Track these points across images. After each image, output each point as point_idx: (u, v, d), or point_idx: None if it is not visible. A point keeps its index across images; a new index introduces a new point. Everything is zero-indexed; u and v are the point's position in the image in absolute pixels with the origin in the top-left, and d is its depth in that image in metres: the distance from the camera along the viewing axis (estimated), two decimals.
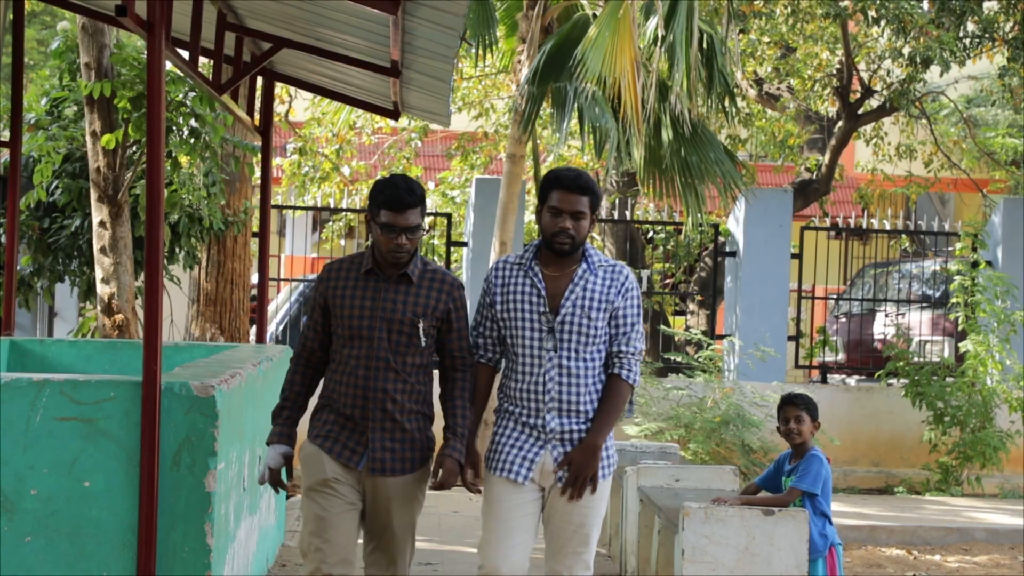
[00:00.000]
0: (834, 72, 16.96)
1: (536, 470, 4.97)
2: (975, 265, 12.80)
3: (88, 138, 9.22)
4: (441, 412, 5.13)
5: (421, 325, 4.96)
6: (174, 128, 9.36)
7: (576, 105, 10.58)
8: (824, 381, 13.99)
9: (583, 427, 4.97)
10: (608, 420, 4.98)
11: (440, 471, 4.99)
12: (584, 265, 5.03)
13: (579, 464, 4.92)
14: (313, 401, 5.21)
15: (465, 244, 13.35)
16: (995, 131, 19.57)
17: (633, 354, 5.02)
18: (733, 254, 13.65)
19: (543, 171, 14.26)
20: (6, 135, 10.06)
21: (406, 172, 16.56)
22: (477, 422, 5.11)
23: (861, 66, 16.83)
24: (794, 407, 6.13)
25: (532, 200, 15.64)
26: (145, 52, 6.22)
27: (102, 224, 9.15)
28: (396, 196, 4.90)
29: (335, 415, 5.01)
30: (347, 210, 14.44)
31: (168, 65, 6.46)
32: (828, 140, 17.33)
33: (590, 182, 4.98)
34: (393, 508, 5.02)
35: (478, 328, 5.14)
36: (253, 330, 11.63)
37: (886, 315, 14.58)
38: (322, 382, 5.13)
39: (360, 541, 5.10)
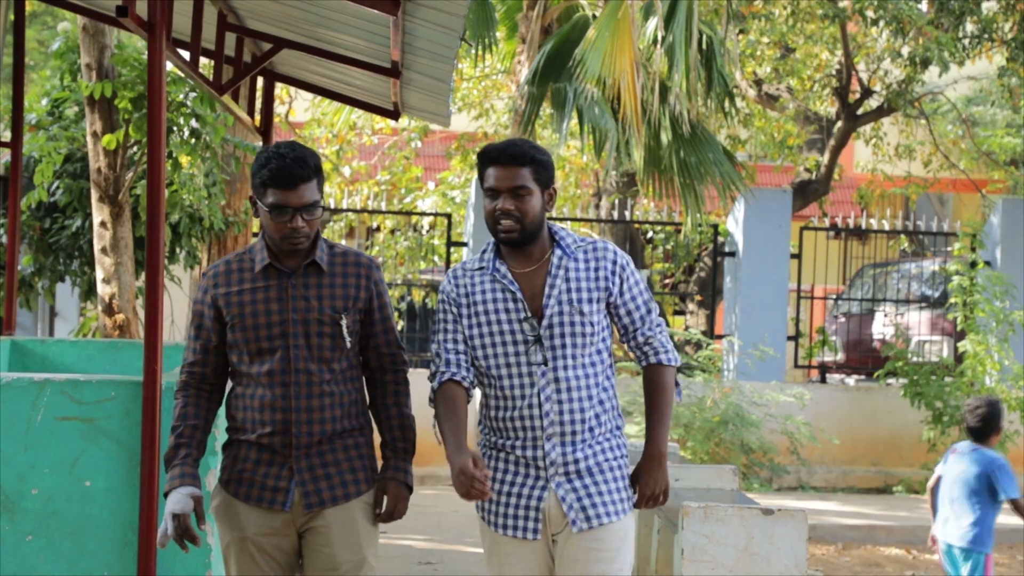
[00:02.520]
0: (833, 72, 16.98)
1: (542, 519, 4.03)
2: (973, 265, 12.82)
3: (89, 138, 9.24)
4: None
5: (344, 322, 4.03)
6: (175, 128, 9.38)
7: (576, 105, 10.61)
8: (823, 381, 14.01)
9: (589, 453, 4.04)
10: (663, 419, 4.12)
11: (384, 499, 4.07)
12: (558, 251, 4.08)
13: (648, 481, 4.10)
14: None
15: (465, 244, 13.37)
16: (993, 131, 19.58)
17: (660, 331, 4.13)
18: (732, 254, 13.67)
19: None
20: (7, 135, 10.09)
21: (406, 172, 16.58)
22: (455, 434, 4.04)
23: (860, 66, 16.84)
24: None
25: None
26: (146, 53, 6.24)
27: (103, 224, 9.16)
28: (283, 169, 3.92)
29: (246, 448, 4.03)
30: (347, 210, 14.47)
31: (169, 66, 6.48)
32: (827, 140, 17.35)
33: (527, 148, 4.05)
34: (336, 543, 4.03)
35: (445, 344, 4.10)
36: None
37: (885, 315, 14.60)
38: (224, 413, 4.18)
39: None
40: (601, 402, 4.07)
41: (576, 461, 4.02)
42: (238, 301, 4.03)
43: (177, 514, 3.96)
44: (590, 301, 4.04)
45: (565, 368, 4.00)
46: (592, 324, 4.04)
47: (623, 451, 4.14)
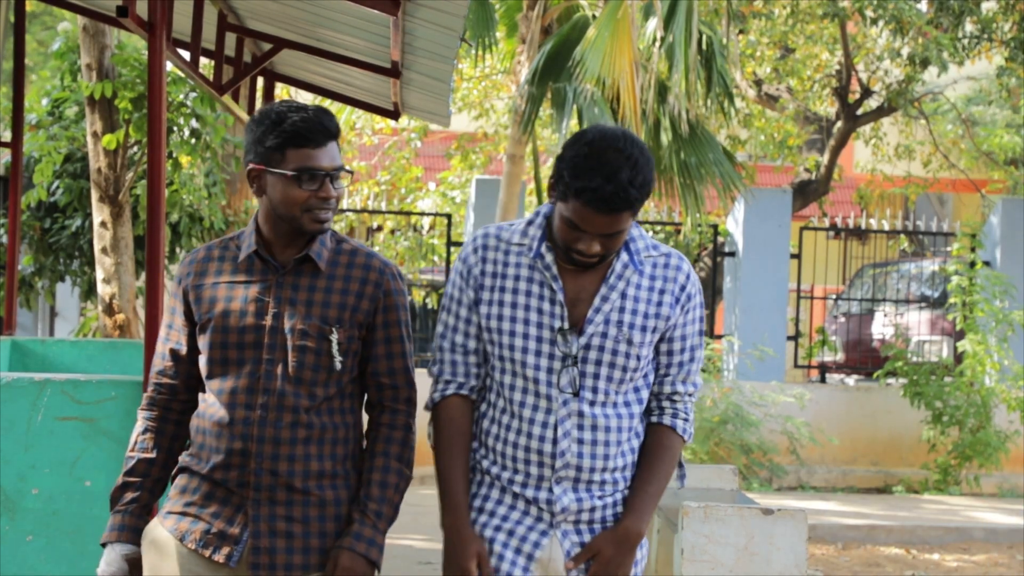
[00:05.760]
0: (833, 73, 16.99)
1: (537, 568, 3.17)
2: (973, 265, 12.83)
3: (89, 138, 9.25)
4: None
5: (335, 337, 3.16)
6: (175, 129, 9.39)
7: (575, 106, 10.62)
8: (823, 381, 14.02)
9: (609, 502, 3.19)
10: (652, 495, 3.20)
11: (336, 573, 3.13)
12: (624, 256, 3.16)
13: (608, 561, 3.15)
14: None
15: None
16: (992, 131, 19.60)
17: (691, 395, 3.27)
18: (732, 254, 13.68)
19: (543, 172, 14.28)
20: (7, 135, 10.11)
21: (406, 172, 16.58)
22: (458, 484, 3.21)
23: (860, 67, 16.86)
24: None
25: (532, 200, 15.66)
26: (146, 53, 6.25)
27: (103, 224, 9.17)
28: (311, 125, 3.12)
29: (199, 479, 3.19)
30: (348, 210, 14.47)
31: (169, 66, 6.49)
32: (827, 140, 17.36)
33: (635, 193, 3.01)
34: None
35: (453, 338, 3.23)
36: None
37: (885, 315, 14.61)
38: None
39: None
40: (632, 451, 3.21)
41: (592, 510, 3.17)
42: (210, 296, 3.21)
43: None
44: (643, 330, 3.16)
45: (593, 404, 3.14)
46: (639, 358, 3.16)
47: None
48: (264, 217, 3.20)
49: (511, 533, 3.16)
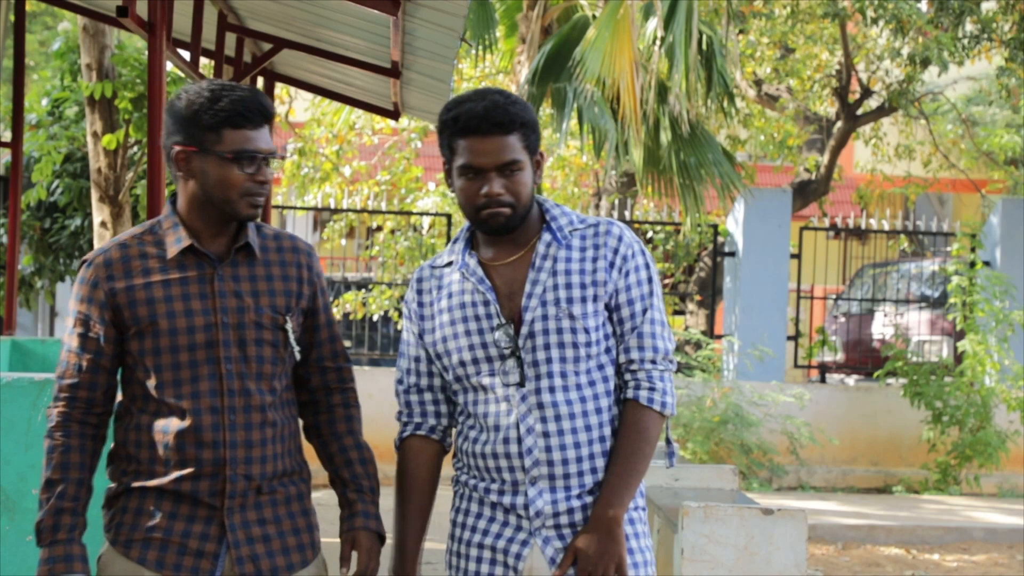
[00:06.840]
0: (833, 73, 17.00)
1: None
2: (973, 265, 12.84)
3: (89, 138, 9.26)
4: (321, 463, 3.22)
5: (290, 326, 3.05)
6: None
7: (575, 106, 10.63)
8: (823, 381, 14.02)
9: (588, 502, 3.03)
10: (621, 476, 3.01)
11: (353, 554, 3.11)
12: (546, 235, 3.08)
13: (588, 555, 2.97)
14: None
15: None
16: (992, 131, 19.61)
17: (655, 362, 3.07)
18: (732, 254, 13.68)
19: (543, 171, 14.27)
20: (7, 135, 10.11)
21: (406, 172, 16.59)
22: (411, 533, 3.15)
23: (860, 67, 16.87)
24: None
25: None
26: (146, 53, 6.25)
27: (103, 224, 9.18)
28: (249, 105, 2.97)
29: (155, 498, 2.99)
30: (348, 210, 14.47)
31: (169, 66, 6.49)
32: (827, 140, 17.36)
33: (511, 108, 3.03)
34: None
35: (408, 378, 3.16)
36: None
37: (885, 315, 14.62)
38: (112, 450, 3.09)
39: None
40: (603, 439, 3.04)
41: (571, 511, 3.02)
42: (146, 298, 2.98)
43: None
44: (584, 300, 3.03)
45: (552, 390, 3.01)
46: (588, 331, 3.02)
47: (638, 500, 3.09)
48: (189, 205, 3.01)
49: (494, 549, 3.05)
